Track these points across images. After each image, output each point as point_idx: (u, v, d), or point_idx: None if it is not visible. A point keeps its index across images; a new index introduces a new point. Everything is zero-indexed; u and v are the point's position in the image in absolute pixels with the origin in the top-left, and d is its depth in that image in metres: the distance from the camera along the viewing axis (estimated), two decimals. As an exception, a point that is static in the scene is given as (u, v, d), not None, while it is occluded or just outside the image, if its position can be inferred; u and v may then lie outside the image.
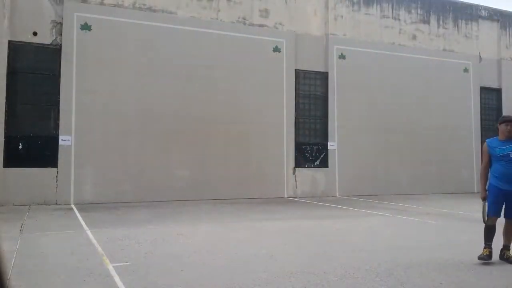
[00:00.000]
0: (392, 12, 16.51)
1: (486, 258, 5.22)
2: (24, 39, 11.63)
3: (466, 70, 17.67)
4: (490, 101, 18.43)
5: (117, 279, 4.47)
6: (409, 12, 16.84)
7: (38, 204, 11.17)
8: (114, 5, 12.53)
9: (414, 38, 16.90)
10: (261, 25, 14.37)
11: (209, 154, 13.25)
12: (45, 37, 11.84)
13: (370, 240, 6.92)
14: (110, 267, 4.95)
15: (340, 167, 15.10)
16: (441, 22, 17.43)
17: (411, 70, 16.51)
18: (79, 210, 10.31)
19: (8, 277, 4.28)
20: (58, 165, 11.63)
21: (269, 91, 14.16)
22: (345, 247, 6.29)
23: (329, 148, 15.07)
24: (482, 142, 7.13)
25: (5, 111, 11.28)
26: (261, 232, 7.60)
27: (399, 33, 16.63)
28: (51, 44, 11.91)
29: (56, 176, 11.60)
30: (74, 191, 11.71)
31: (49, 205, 11.24)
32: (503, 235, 5.43)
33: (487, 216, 5.32)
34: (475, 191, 16.21)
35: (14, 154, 11.34)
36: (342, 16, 15.63)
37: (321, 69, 15.20)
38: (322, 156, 15.03)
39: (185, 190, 12.77)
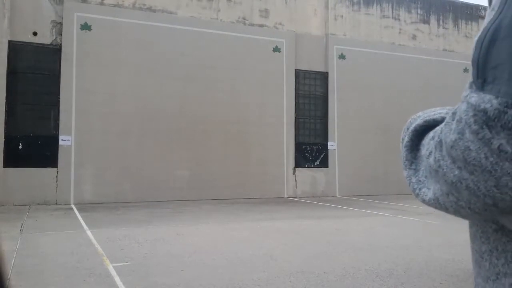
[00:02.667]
0: (392, 12, 16.51)
1: None
2: (24, 39, 11.63)
3: (466, 70, 17.65)
4: (490, 101, 18.41)
5: (117, 279, 4.48)
6: (409, 12, 16.84)
7: (38, 204, 11.17)
8: (114, 5, 12.53)
9: (414, 38, 16.90)
10: (261, 25, 14.37)
11: (209, 154, 13.25)
12: (45, 37, 11.84)
13: (370, 240, 6.92)
14: (110, 267, 4.95)
15: (340, 167, 15.10)
16: (441, 22, 17.43)
17: (411, 70, 16.51)
18: (79, 210, 10.31)
19: (8, 277, 4.28)
20: (58, 165, 11.63)
21: (269, 91, 14.16)
22: (345, 247, 6.28)
23: (329, 148, 15.08)
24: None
25: (5, 111, 11.29)
26: (261, 232, 7.59)
27: (399, 33, 16.62)
28: (51, 44, 11.90)
29: (56, 176, 11.60)
30: (74, 191, 11.72)
31: (49, 205, 11.24)
32: None
33: None
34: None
35: (14, 154, 11.34)
36: (342, 16, 15.63)
37: (321, 69, 15.20)
38: (322, 156, 15.03)
39: (185, 190, 12.78)
